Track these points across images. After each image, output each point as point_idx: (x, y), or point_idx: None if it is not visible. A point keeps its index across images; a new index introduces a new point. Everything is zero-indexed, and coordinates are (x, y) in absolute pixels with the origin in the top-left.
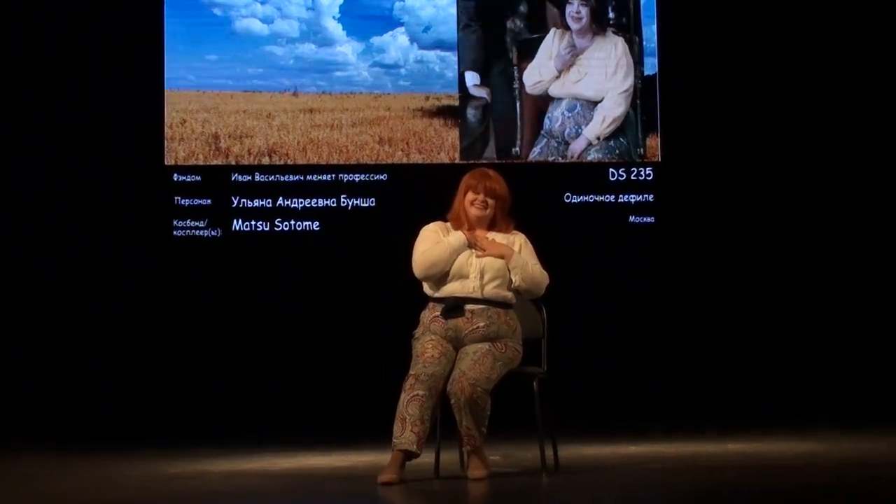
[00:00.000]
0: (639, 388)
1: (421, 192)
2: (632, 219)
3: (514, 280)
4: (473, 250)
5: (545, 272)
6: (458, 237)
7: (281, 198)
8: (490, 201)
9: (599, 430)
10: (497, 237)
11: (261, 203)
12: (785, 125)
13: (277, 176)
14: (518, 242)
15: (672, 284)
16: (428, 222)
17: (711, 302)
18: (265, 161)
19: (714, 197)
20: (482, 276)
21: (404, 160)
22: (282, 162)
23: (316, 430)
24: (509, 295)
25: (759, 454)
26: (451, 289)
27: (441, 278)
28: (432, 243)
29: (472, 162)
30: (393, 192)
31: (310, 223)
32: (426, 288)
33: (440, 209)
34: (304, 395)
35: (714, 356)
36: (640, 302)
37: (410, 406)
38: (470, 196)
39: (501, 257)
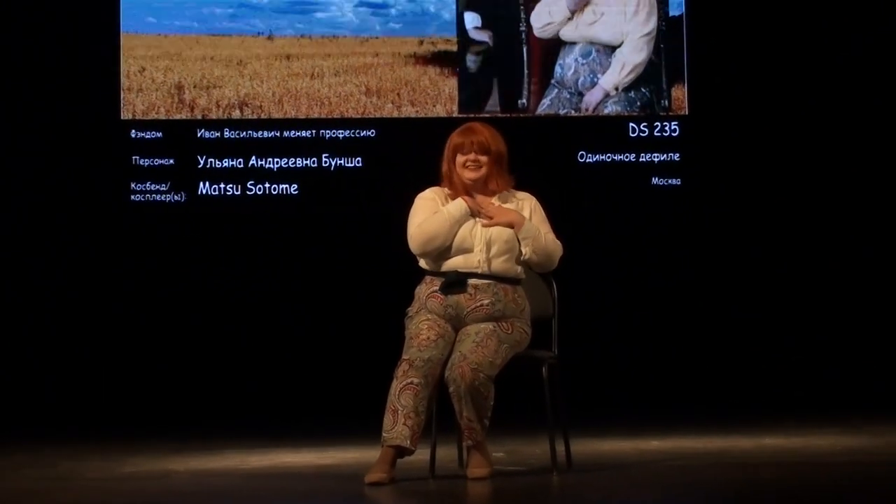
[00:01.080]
0: (662, 375)
1: (414, 151)
2: (655, 181)
3: (524, 252)
4: (477, 219)
5: (559, 242)
6: (458, 206)
7: (254, 157)
8: (482, 158)
9: (618, 422)
10: (502, 202)
11: (231, 163)
12: (829, 71)
13: (250, 132)
14: (527, 207)
15: (701, 257)
16: (423, 187)
17: (745, 277)
18: (236, 115)
19: (749, 156)
20: (489, 249)
21: (395, 114)
22: (255, 116)
23: (294, 423)
24: (518, 269)
25: (798, 450)
26: (454, 264)
27: (441, 253)
28: (430, 213)
29: (471, 116)
30: (382, 151)
31: (287, 186)
32: (422, 262)
33: (436, 170)
34: (282, 384)
35: (747, 338)
36: (665, 276)
37: (403, 395)
38: (460, 158)
39: (511, 226)
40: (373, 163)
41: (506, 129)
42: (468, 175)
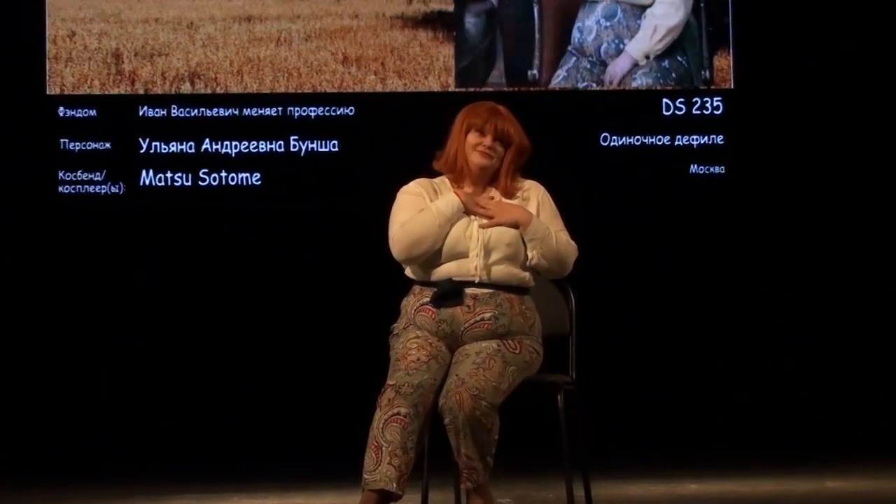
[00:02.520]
0: (702, 405)
1: (401, 133)
2: (694, 168)
3: (530, 256)
4: (473, 217)
5: (573, 243)
6: (449, 202)
7: (208, 140)
8: (500, 149)
9: (647, 460)
10: (502, 199)
11: (180, 147)
12: None
13: (203, 110)
14: (534, 198)
15: (750, 262)
16: (410, 177)
17: (801, 284)
18: (185, 89)
19: (808, 139)
20: (487, 254)
21: (378, 87)
22: (209, 90)
23: (255, 461)
24: (525, 276)
25: (867, 494)
26: (447, 271)
27: (430, 259)
28: (415, 211)
29: (471, 90)
30: (363, 133)
31: (248, 175)
32: (409, 270)
33: (428, 157)
34: (241, 415)
35: (804, 358)
36: (706, 286)
37: (388, 429)
38: (472, 138)
39: (515, 225)
40: (351, 147)
41: (513, 106)
42: (477, 160)
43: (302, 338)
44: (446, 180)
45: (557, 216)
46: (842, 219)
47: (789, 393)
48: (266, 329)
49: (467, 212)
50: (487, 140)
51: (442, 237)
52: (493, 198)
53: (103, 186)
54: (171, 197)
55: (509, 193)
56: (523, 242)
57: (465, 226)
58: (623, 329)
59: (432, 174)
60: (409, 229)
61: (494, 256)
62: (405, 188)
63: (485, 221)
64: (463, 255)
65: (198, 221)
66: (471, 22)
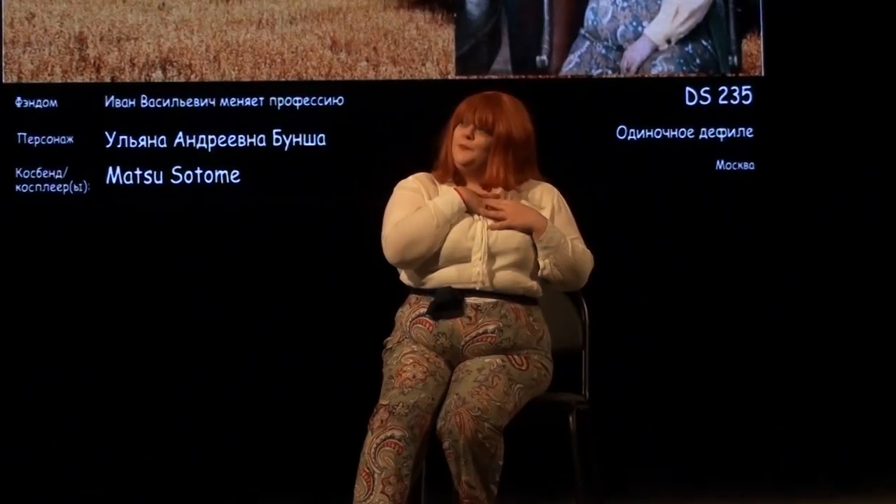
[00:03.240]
0: (729, 424)
1: (396, 125)
2: (720, 165)
3: (542, 266)
4: (476, 217)
5: (589, 252)
6: (449, 201)
7: (181, 134)
8: (481, 139)
9: (668, 487)
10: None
11: (150, 141)
12: None
13: (176, 100)
14: (547, 202)
15: (781, 267)
16: (406, 173)
17: (838, 292)
18: (157, 77)
19: (847, 132)
20: (491, 259)
21: (370, 75)
22: (182, 78)
23: (236, 490)
24: (533, 285)
25: None
26: (445, 277)
27: (427, 263)
28: (411, 209)
29: (473, 79)
30: (353, 125)
31: (226, 173)
32: (405, 276)
33: (425, 152)
34: (219, 438)
35: (842, 374)
36: (733, 295)
37: (381, 454)
38: (458, 132)
39: (529, 231)
40: (341, 141)
41: (519, 96)
42: (456, 155)
43: (286, 353)
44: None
45: (573, 223)
46: (888, 222)
47: (823, 417)
48: (246, 343)
49: (470, 211)
50: (467, 130)
51: (440, 239)
52: (499, 196)
53: (65, 185)
54: (140, 197)
55: (507, 186)
56: (533, 248)
57: (466, 227)
58: (641, 343)
59: (429, 169)
60: (404, 229)
61: (499, 262)
62: (402, 183)
63: (493, 223)
64: (464, 259)
65: (170, 224)
66: (473, 2)
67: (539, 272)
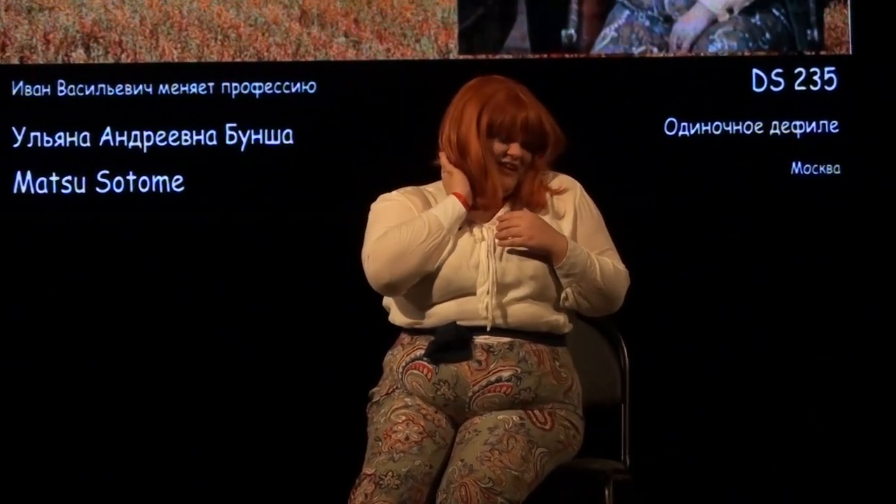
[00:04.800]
0: (812, 493)
1: (382, 119)
2: (797, 168)
3: (563, 296)
4: (480, 236)
5: (622, 269)
6: (447, 206)
7: (109, 130)
8: (528, 155)
9: None
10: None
11: (70, 139)
12: None
13: (103, 87)
14: (570, 205)
15: (872, 292)
16: (390, 184)
17: None
18: (78, 57)
19: None
20: (503, 289)
21: (350, 54)
22: (111, 59)
23: None
24: (559, 318)
25: None
26: (446, 311)
27: (421, 297)
28: (397, 221)
29: (481, 59)
30: (327, 119)
31: (165, 179)
32: (395, 313)
33: (419, 152)
34: None
35: None
36: (813, 331)
37: None
38: (498, 146)
39: (546, 254)
40: (311, 139)
41: (541, 80)
42: (503, 179)
43: (243, 405)
44: (443, 188)
45: (602, 230)
46: None
47: None
48: (192, 391)
49: (471, 222)
50: (514, 150)
51: (435, 254)
52: (523, 215)
53: None
54: (57, 208)
55: (536, 204)
56: (552, 273)
57: (467, 251)
58: (696, 394)
59: (424, 179)
60: (388, 241)
61: (513, 294)
62: (384, 196)
63: (511, 240)
64: (466, 291)
65: (95, 244)
66: None
67: (560, 301)
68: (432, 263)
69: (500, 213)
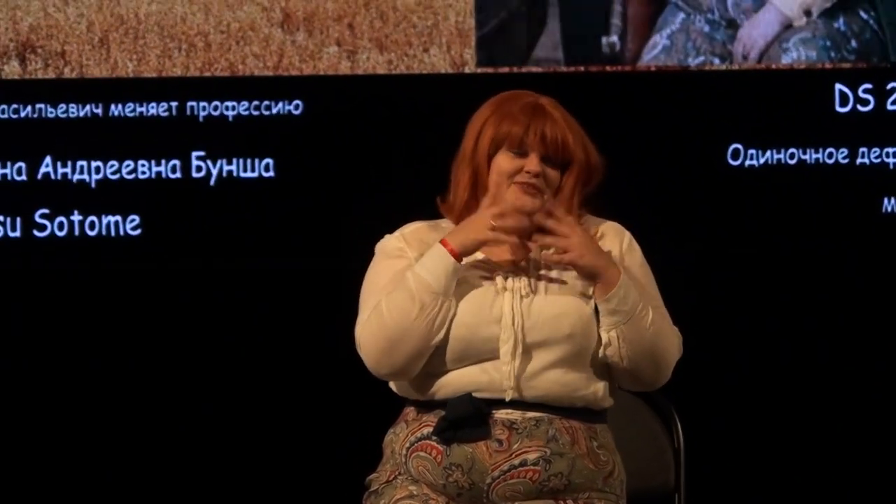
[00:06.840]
0: None
1: (383, 144)
2: (889, 204)
3: (605, 341)
4: (504, 280)
5: (676, 330)
6: (439, 267)
7: (49, 160)
8: (551, 174)
9: None
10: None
11: (2, 171)
12: None
13: (42, 107)
14: (615, 248)
15: None
16: (397, 223)
17: None
18: (11, 71)
19: None
20: (530, 347)
21: (343, 68)
22: (51, 73)
23: None
24: (598, 390)
25: None
26: (458, 381)
27: (431, 357)
28: (392, 284)
29: (504, 72)
30: (315, 145)
31: (119, 219)
32: (398, 384)
33: (427, 185)
34: None
35: None
36: None
37: None
38: (505, 161)
39: (592, 278)
40: (296, 170)
41: (576, 97)
42: (515, 199)
43: (209, 492)
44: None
45: (652, 284)
46: None
47: None
48: (145, 470)
49: (491, 268)
50: (532, 163)
51: (437, 326)
52: (568, 219)
53: None
54: None
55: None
56: (596, 319)
57: (489, 299)
58: (763, 480)
59: (434, 215)
60: (377, 325)
61: (543, 356)
62: (381, 245)
63: (557, 255)
64: (486, 354)
65: (32, 296)
66: None
67: (600, 351)
68: (438, 337)
69: (531, 254)
